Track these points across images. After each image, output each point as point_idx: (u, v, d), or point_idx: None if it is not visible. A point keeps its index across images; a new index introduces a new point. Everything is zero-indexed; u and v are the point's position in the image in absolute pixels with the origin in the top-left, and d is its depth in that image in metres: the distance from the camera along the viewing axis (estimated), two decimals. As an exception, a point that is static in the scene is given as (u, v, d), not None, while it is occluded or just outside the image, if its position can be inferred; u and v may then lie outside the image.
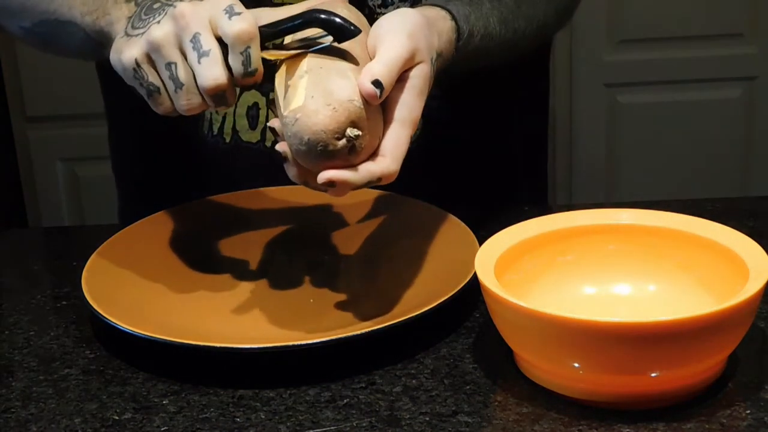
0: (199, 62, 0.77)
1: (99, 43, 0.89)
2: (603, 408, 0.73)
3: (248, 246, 0.97)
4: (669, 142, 2.31)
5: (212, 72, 0.77)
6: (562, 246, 0.84)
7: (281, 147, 0.77)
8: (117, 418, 0.75)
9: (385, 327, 0.79)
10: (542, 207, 1.13)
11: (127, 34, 0.81)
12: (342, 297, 0.89)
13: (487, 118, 1.11)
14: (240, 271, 0.94)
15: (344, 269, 0.93)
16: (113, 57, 0.82)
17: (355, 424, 0.73)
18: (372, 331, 0.79)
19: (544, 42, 1.13)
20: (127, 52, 0.79)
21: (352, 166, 0.75)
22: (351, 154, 0.74)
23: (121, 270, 0.91)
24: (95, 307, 0.83)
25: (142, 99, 0.85)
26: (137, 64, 0.79)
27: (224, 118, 1.05)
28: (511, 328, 0.76)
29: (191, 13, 0.77)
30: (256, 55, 0.77)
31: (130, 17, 0.83)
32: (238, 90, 0.84)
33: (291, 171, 0.78)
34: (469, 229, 0.93)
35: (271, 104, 0.89)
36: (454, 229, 0.94)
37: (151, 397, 0.77)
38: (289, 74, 0.78)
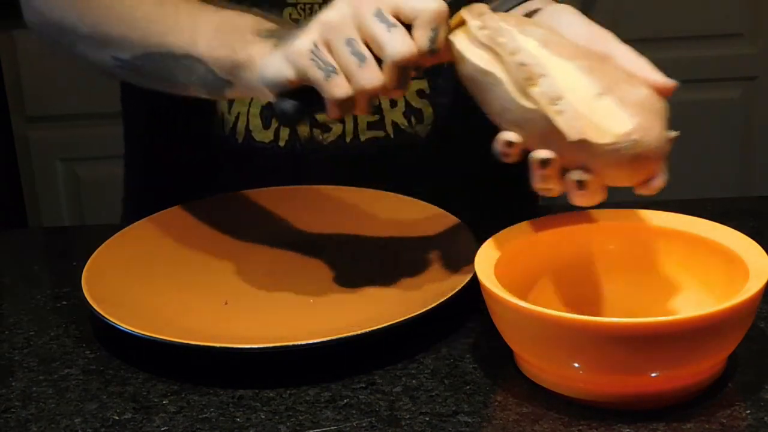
0: (389, 31, 0.76)
1: (224, 80, 0.85)
2: (603, 408, 0.73)
3: (248, 246, 0.97)
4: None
5: (404, 41, 0.76)
6: (562, 246, 0.84)
7: (579, 176, 0.75)
8: (117, 418, 0.75)
9: (385, 327, 0.79)
10: (542, 207, 1.13)
11: (275, 46, 0.80)
12: (342, 297, 0.89)
13: (480, 118, 1.12)
14: (240, 271, 0.94)
15: (344, 269, 0.93)
16: (270, 67, 0.79)
17: (355, 424, 0.73)
18: (372, 331, 0.79)
19: None
20: (298, 42, 0.78)
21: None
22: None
23: (121, 270, 0.91)
24: (95, 307, 0.83)
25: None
26: (315, 45, 0.77)
27: (237, 117, 1.04)
28: (511, 328, 0.76)
29: None
30: (443, 35, 0.77)
31: (276, 45, 0.81)
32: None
33: (595, 196, 0.77)
34: (469, 229, 0.93)
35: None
36: (454, 229, 0.94)
37: (151, 397, 0.77)
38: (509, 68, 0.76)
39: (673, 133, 0.76)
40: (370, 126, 1.04)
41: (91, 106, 2.15)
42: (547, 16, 0.86)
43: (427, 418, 0.73)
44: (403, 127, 1.04)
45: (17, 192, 2.26)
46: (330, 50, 0.77)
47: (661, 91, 0.77)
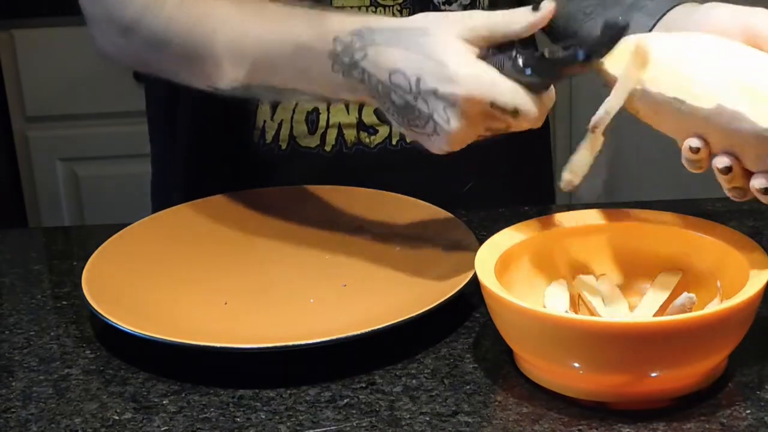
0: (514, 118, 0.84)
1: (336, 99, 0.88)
2: (603, 408, 0.73)
3: (248, 246, 0.97)
4: (669, 142, 2.30)
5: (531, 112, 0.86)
6: (563, 246, 0.84)
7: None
8: (117, 418, 0.75)
9: (385, 327, 0.79)
10: (542, 207, 1.13)
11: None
12: (342, 297, 0.89)
13: None
14: (240, 270, 0.94)
15: (344, 269, 0.93)
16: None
17: (355, 424, 0.73)
18: (372, 331, 0.79)
19: None
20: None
21: None
22: None
23: (121, 270, 0.91)
24: (95, 307, 0.83)
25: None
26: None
27: (280, 125, 1.04)
28: (511, 328, 0.76)
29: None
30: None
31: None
32: None
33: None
34: (469, 229, 0.93)
35: None
36: (454, 229, 0.94)
37: (151, 397, 0.77)
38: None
39: None
40: None
41: (91, 106, 2.14)
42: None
43: (427, 418, 0.73)
44: None
45: (17, 192, 2.26)
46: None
47: None
